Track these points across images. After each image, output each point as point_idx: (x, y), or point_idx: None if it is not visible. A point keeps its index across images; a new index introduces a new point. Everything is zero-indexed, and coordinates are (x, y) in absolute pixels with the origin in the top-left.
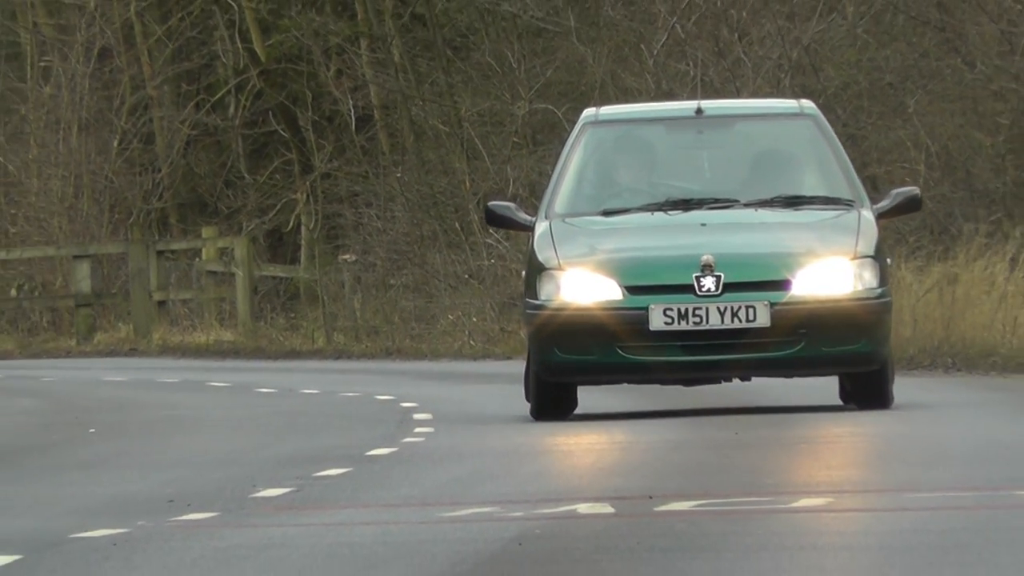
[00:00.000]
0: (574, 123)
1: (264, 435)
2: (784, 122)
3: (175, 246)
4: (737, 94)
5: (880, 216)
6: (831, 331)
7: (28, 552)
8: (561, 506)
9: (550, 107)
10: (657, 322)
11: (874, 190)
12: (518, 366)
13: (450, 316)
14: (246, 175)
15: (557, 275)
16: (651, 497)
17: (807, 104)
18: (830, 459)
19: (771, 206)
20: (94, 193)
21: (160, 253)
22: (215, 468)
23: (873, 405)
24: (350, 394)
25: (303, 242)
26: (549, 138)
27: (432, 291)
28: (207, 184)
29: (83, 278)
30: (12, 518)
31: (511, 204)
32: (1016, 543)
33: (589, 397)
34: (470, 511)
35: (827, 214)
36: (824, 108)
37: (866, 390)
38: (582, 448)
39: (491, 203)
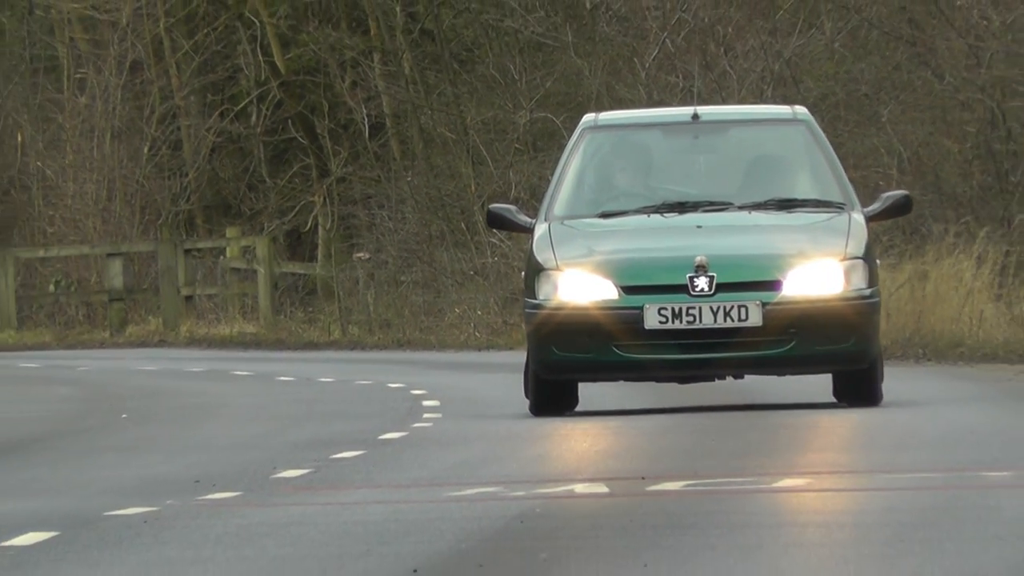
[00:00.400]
0: (572, 131)
1: (284, 420)
2: (778, 127)
3: (201, 245)
4: (723, 104)
5: (871, 219)
6: (821, 330)
7: (65, 529)
8: (560, 486)
9: (549, 116)
10: (652, 321)
11: None
12: (520, 356)
13: (456, 310)
14: (267, 179)
15: (555, 275)
16: (643, 478)
17: (800, 110)
18: (809, 444)
19: (764, 209)
20: (126, 196)
21: (187, 251)
22: (238, 451)
23: (863, 403)
24: (364, 382)
25: (320, 241)
26: (548, 145)
27: (440, 287)
28: (231, 187)
29: (116, 275)
30: (50, 498)
31: (511, 207)
32: (980, 520)
33: (587, 396)
34: (475, 491)
35: (818, 217)
36: None
37: (856, 388)
38: (579, 433)
39: (492, 206)
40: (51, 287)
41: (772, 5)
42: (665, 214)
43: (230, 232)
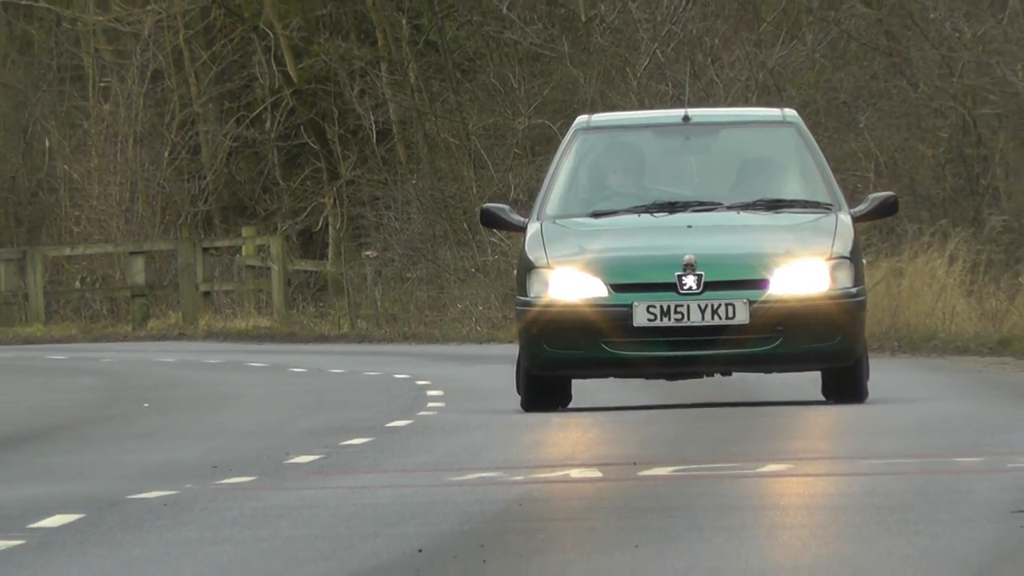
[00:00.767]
0: None
1: (296, 409)
2: (767, 129)
3: (218, 244)
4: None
5: (858, 219)
6: (807, 328)
7: (90, 511)
8: (556, 471)
9: (547, 122)
10: (641, 319)
11: None
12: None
13: (459, 305)
14: (281, 182)
15: (546, 273)
16: (635, 463)
17: (790, 112)
18: (791, 432)
19: (753, 209)
20: (148, 197)
21: (205, 250)
22: (253, 438)
23: (848, 400)
24: (372, 373)
25: (330, 240)
26: (546, 149)
27: (443, 283)
28: (246, 189)
29: (138, 272)
30: (76, 481)
31: (504, 206)
32: (952, 503)
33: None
34: (476, 476)
35: (806, 217)
36: None
37: (842, 386)
38: (574, 422)
39: (485, 205)
40: (77, 283)
41: (757, 18)
42: (655, 214)
43: (246, 231)
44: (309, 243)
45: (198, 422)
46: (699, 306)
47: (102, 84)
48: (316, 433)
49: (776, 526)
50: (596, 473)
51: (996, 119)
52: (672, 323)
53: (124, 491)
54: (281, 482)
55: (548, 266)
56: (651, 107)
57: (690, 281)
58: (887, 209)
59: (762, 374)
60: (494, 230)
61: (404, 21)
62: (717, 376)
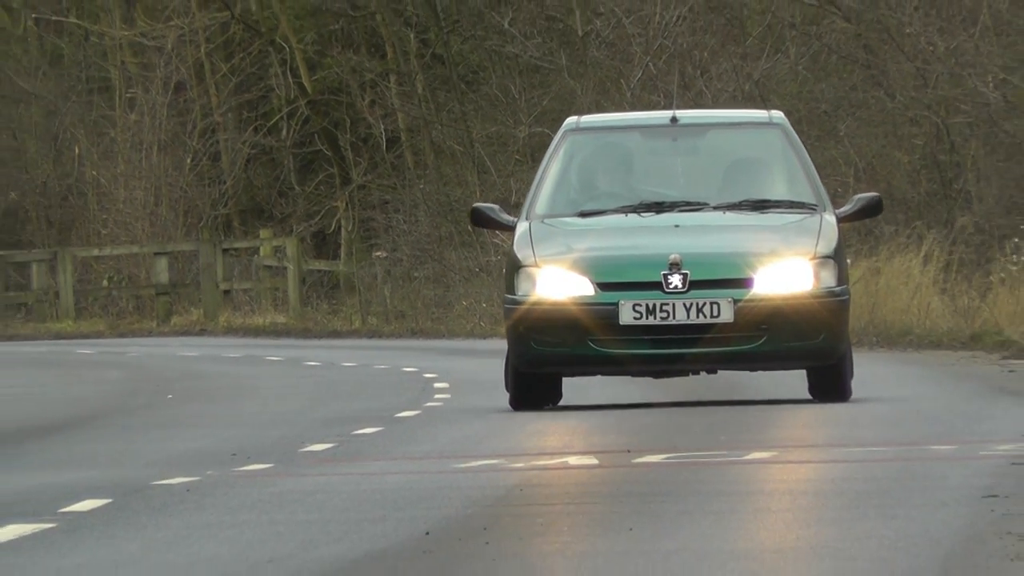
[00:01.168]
0: None
1: (311, 400)
2: (754, 131)
3: (237, 245)
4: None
5: (842, 219)
6: (791, 327)
7: (117, 496)
8: (554, 459)
9: (546, 131)
10: (627, 317)
11: None
12: None
13: (464, 302)
14: (296, 186)
15: (534, 272)
16: (629, 451)
17: (776, 114)
18: (775, 422)
19: (739, 209)
20: (171, 201)
21: (225, 251)
22: (270, 427)
23: (832, 398)
24: (382, 366)
25: (343, 241)
26: None
27: (449, 282)
28: (264, 194)
29: (162, 271)
30: (104, 468)
31: (495, 206)
32: (926, 488)
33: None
34: (479, 463)
35: (791, 217)
36: None
37: (826, 384)
38: (570, 413)
39: (476, 205)
40: (105, 282)
41: (743, 32)
42: (642, 214)
43: (263, 233)
44: (323, 244)
45: (218, 412)
46: (684, 305)
47: (128, 95)
48: (329, 423)
49: (761, 510)
50: (592, 460)
51: (968, 127)
52: (658, 321)
53: (149, 477)
54: (296, 469)
55: (536, 265)
56: None
57: (676, 280)
58: (872, 209)
59: (750, 372)
60: (488, 231)
61: (412, 36)
62: (703, 374)
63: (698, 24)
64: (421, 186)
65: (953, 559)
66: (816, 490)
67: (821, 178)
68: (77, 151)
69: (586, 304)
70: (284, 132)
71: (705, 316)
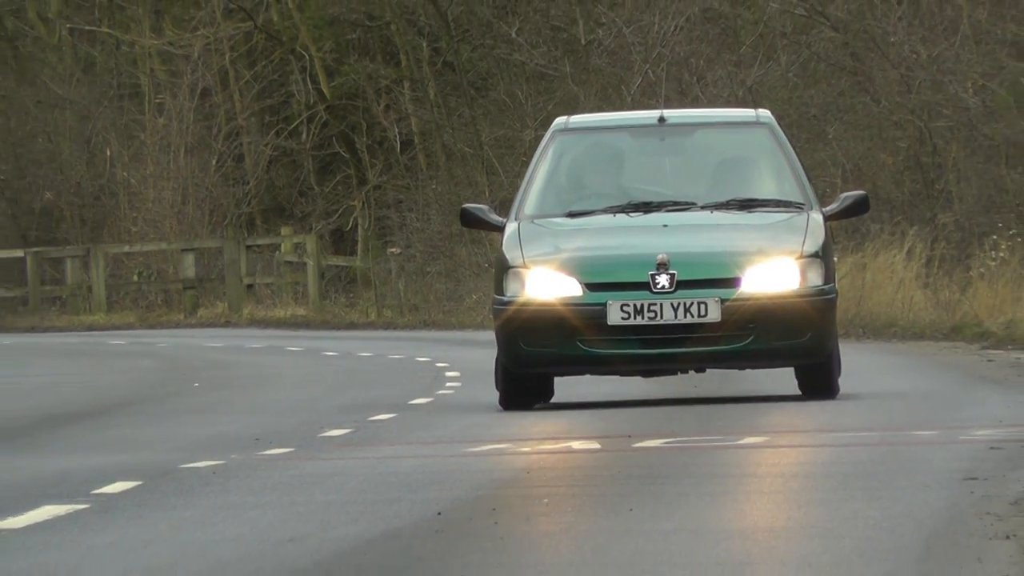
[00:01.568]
0: None
1: (329, 388)
2: (741, 130)
3: (260, 242)
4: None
5: (830, 218)
6: (778, 326)
7: (146, 479)
8: (559, 443)
9: None
10: (615, 317)
11: None
12: None
13: (474, 296)
14: (315, 187)
15: (522, 273)
16: (629, 436)
17: (764, 113)
18: (766, 408)
19: (726, 208)
20: (197, 201)
21: (248, 247)
22: (291, 413)
23: (820, 395)
24: (396, 356)
25: (359, 238)
26: None
27: (459, 277)
28: (285, 194)
29: (189, 267)
30: (134, 452)
31: (484, 206)
32: (910, 471)
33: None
34: (488, 447)
35: (778, 216)
36: None
37: (814, 381)
38: (574, 401)
39: (465, 206)
40: (135, 277)
41: (736, 41)
42: (631, 214)
43: (284, 231)
44: (340, 241)
45: (242, 400)
46: (672, 304)
47: (157, 100)
48: (347, 409)
49: (754, 492)
50: (595, 445)
51: (949, 131)
52: (645, 321)
53: (177, 461)
54: (316, 453)
55: (524, 266)
56: None
57: (663, 280)
58: (858, 207)
59: (739, 371)
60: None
61: (424, 44)
62: (692, 373)
63: (694, 33)
64: (433, 186)
65: (935, 538)
66: (806, 473)
67: (810, 179)
68: (109, 153)
69: (574, 305)
70: (304, 135)
71: (693, 316)
